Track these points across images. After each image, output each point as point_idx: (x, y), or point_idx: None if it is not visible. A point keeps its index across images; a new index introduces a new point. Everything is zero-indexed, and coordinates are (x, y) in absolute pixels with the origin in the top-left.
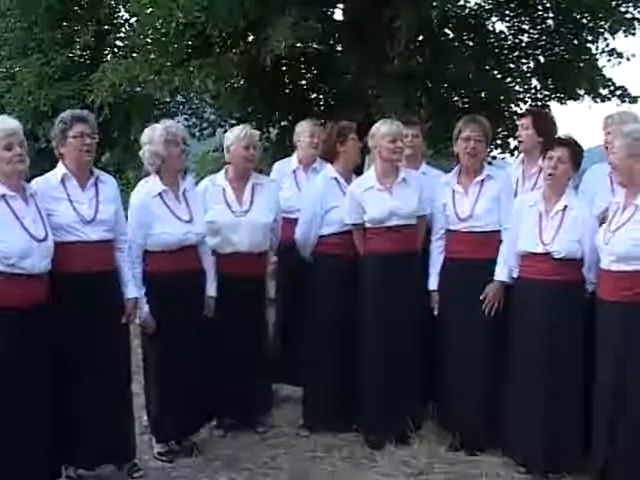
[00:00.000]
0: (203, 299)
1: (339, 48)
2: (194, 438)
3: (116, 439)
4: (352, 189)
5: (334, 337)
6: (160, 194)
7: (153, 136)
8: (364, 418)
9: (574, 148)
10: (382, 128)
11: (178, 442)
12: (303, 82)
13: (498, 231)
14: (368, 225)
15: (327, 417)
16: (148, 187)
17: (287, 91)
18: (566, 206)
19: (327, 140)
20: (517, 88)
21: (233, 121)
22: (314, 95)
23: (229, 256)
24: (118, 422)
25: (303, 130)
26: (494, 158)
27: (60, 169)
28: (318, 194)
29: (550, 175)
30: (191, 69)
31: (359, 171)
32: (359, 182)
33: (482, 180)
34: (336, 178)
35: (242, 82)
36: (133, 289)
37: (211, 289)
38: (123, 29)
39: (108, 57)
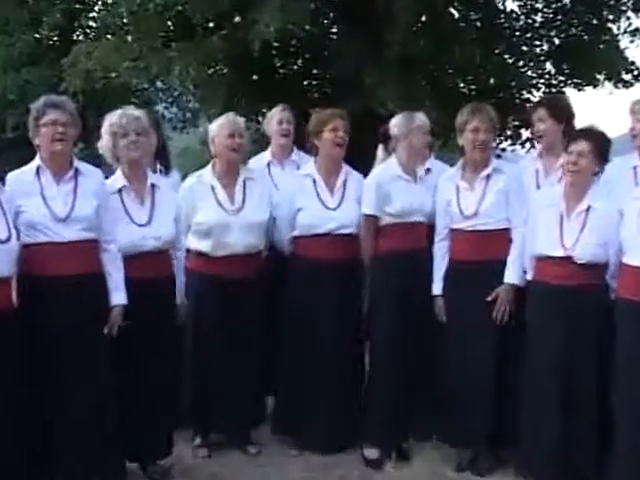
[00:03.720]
0: (170, 308)
1: (334, 30)
2: (171, 460)
3: (100, 453)
4: (378, 177)
5: (301, 343)
6: (120, 190)
7: (105, 125)
8: (366, 431)
9: (597, 139)
10: (417, 117)
11: (143, 468)
12: (295, 68)
13: (507, 229)
14: (388, 220)
15: (296, 429)
16: (111, 181)
17: (277, 78)
18: (590, 206)
19: (308, 132)
20: (529, 73)
21: (218, 111)
22: (307, 82)
23: (223, 259)
24: (102, 437)
25: (271, 117)
26: (504, 150)
27: (36, 161)
28: (288, 192)
29: (571, 172)
30: (171, 54)
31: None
32: (383, 171)
33: (489, 174)
34: (311, 175)
35: (227, 68)
36: (120, 295)
37: (178, 297)
38: (96, 8)
39: (80, 38)
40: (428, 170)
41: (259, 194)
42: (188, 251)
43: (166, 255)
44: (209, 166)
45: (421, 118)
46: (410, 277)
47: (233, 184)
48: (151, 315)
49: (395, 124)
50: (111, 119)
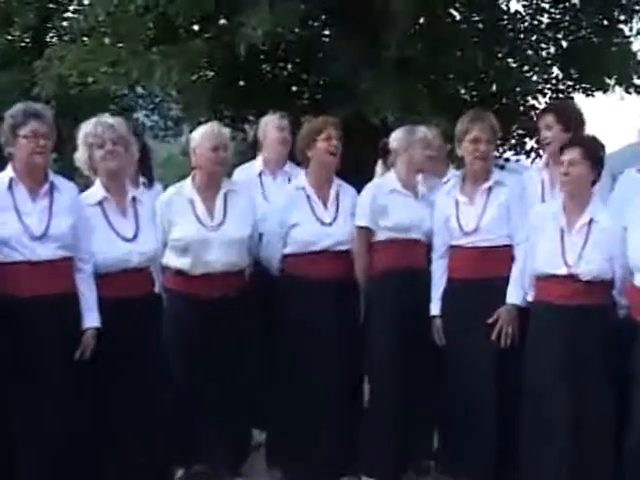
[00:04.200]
0: (156, 327)
1: (326, 33)
2: None
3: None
4: (374, 188)
5: (297, 373)
6: (101, 202)
7: (80, 136)
8: (364, 462)
9: (588, 145)
10: (417, 130)
11: None
12: (284, 74)
13: (509, 246)
14: (384, 236)
15: (293, 466)
16: (89, 193)
17: (265, 84)
18: (592, 219)
19: (297, 142)
20: (535, 78)
21: (202, 118)
22: (296, 88)
23: (202, 278)
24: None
25: (269, 124)
26: (507, 160)
27: (8, 172)
28: (281, 206)
29: (564, 183)
30: (153, 58)
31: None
32: (380, 184)
33: (490, 187)
34: (304, 188)
35: (212, 74)
36: (93, 317)
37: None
38: (71, 8)
39: (54, 40)
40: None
41: (241, 208)
42: (165, 268)
43: (148, 272)
44: (189, 178)
45: (422, 131)
46: (408, 297)
47: (213, 198)
48: (138, 337)
49: (395, 138)
50: (86, 128)
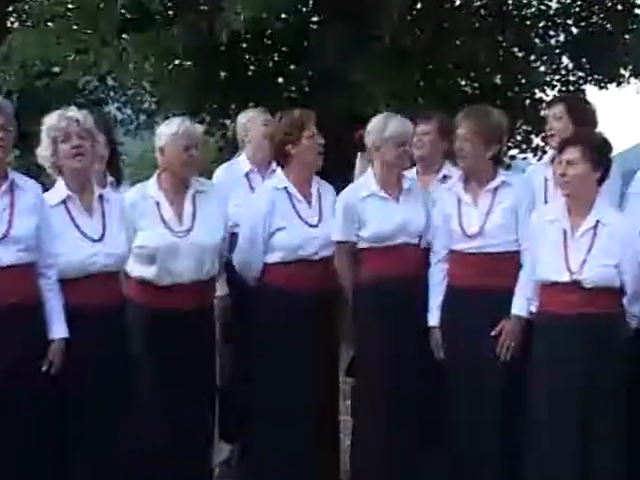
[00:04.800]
0: (124, 341)
1: (314, 19)
2: None
3: None
4: (346, 197)
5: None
6: (64, 202)
7: (43, 130)
8: None
9: (589, 142)
10: (389, 126)
11: None
12: (269, 64)
13: (516, 252)
14: (365, 245)
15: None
16: (51, 193)
17: (248, 75)
18: (598, 221)
19: (274, 138)
20: (542, 69)
21: (179, 112)
22: (283, 79)
23: (169, 289)
24: None
25: (253, 119)
26: (512, 158)
27: None
28: (261, 210)
29: (562, 184)
30: (124, 47)
31: (345, 177)
32: (354, 188)
33: (496, 188)
34: (287, 189)
35: (190, 63)
36: (61, 327)
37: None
38: None
39: (15, 26)
40: (445, 177)
41: (212, 210)
42: (128, 278)
43: (117, 278)
44: (153, 178)
45: (394, 128)
46: (399, 310)
47: (181, 199)
48: (101, 351)
49: (368, 131)
50: (50, 121)
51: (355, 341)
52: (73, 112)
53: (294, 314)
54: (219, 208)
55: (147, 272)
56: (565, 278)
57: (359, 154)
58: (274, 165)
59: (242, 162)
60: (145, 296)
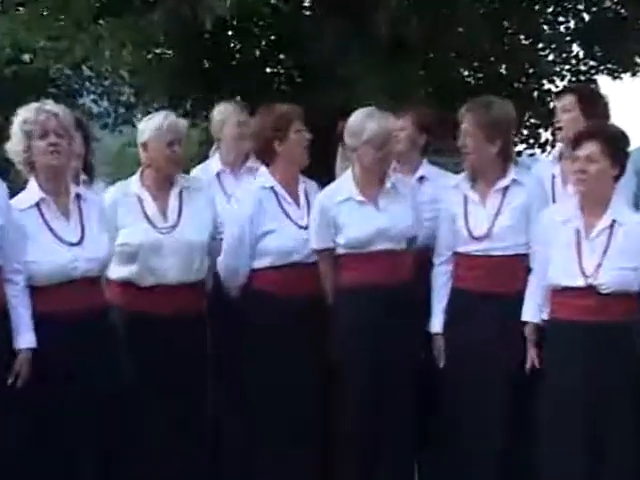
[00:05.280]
0: (107, 349)
1: (306, 5)
2: None
3: None
4: (322, 201)
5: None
6: (37, 204)
7: (16, 123)
8: None
9: (608, 136)
10: (367, 128)
11: None
12: (257, 53)
13: (525, 255)
14: (343, 251)
15: None
16: (23, 195)
17: (234, 64)
18: (614, 221)
19: (260, 134)
20: (551, 58)
21: (159, 104)
22: (271, 70)
23: (152, 290)
24: None
25: (225, 116)
26: (519, 155)
27: None
28: (247, 211)
29: (580, 181)
30: (100, 33)
31: (327, 175)
32: (331, 191)
33: (506, 187)
34: (273, 188)
35: (172, 52)
36: (29, 337)
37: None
38: None
39: None
40: (422, 178)
41: (199, 207)
42: (108, 281)
43: (99, 282)
44: (136, 175)
45: (373, 130)
46: (381, 321)
47: (166, 196)
48: (83, 361)
49: (347, 130)
50: (25, 114)
51: (333, 348)
52: (51, 105)
53: (287, 320)
54: (207, 205)
55: (129, 271)
56: (579, 282)
57: (340, 149)
58: (249, 163)
59: (214, 162)
60: (126, 298)
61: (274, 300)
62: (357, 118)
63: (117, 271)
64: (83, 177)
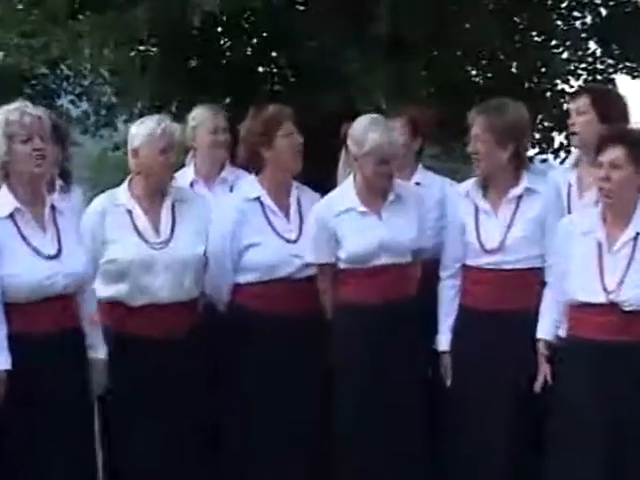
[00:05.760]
0: (84, 374)
1: (301, 0)
2: None
3: None
4: (319, 211)
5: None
6: (12, 215)
7: None
8: None
9: (634, 142)
10: (369, 139)
11: None
12: (248, 51)
13: (540, 269)
14: (344, 265)
15: None
16: None
17: (224, 63)
18: (639, 233)
19: (246, 140)
20: (565, 56)
21: (144, 105)
22: (263, 69)
23: (144, 310)
24: None
25: (199, 122)
26: (530, 160)
27: None
28: (227, 224)
29: (604, 191)
30: (79, 29)
31: (328, 183)
32: (330, 201)
33: (519, 196)
34: (259, 198)
35: (156, 50)
36: (2, 358)
37: (101, 351)
38: None
39: None
40: (417, 185)
41: (193, 221)
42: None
43: (75, 300)
44: (124, 184)
45: (375, 142)
46: (384, 340)
47: (158, 208)
48: (57, 385)
49: (350, 135)
50: (7, 116)
51: (334, 364)
52: (31, 107)
53: (272, 339)
54: (201, 219)
55: (117, 290)
56: (600, 299)
57: (343, 152)
58: (225, 172)
59: (187, 171)
60: (113, 320)
61: (257, 318)
62: (361, 125)
63: (104, 290)
64: (59, 183)
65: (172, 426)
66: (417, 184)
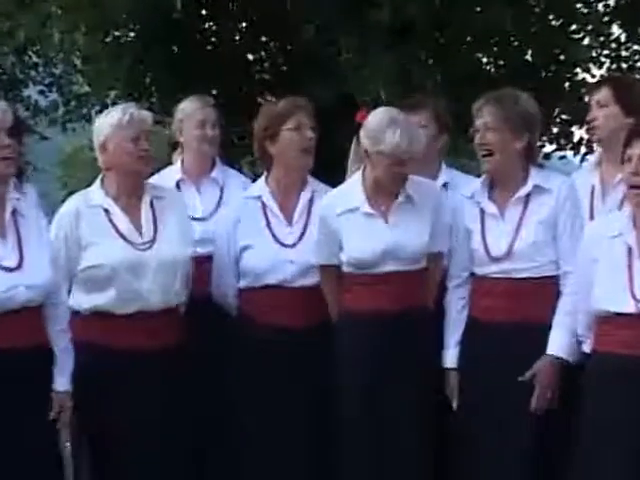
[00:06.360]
0: (46, 396)
1: None
2: None
3: None
4: (323, 209)
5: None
6: None
7: None
8: None
9: None
10: (387, 139)
11: None
12: (236, 36)
13: (554, 277)
14: (348, 269)
15: None
16: None
17: (209, 49)
18: None
19: (255, 135)
20: (586, 42)
21: (119, 95)
22: (253, 56)
23: (133, 319)
24: None
25: (186, 115)
26: (547, 157)
27: None
28: (226, 226)
29: (634, 190)
30: (49, 12)
31: (327, 177)
32: (333, 198)
33: (528, 195)
34: (260, 198)
35: (134, 35)
36: None
37: (63, 380)
38: None
39: None
40: (445, 185)
41: (176, 219)
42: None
43: (40, 314)
44: (96, 183)
45: (392, 143)
46: (384, 354)
47: (136, 206)
48: (18, 406)
49: (364, 127)
50: None
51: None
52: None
53: (265, 352)
54: (183, 217)
55: (102, 300)
56: (629, 308)
57: (354, 142)
58: (215, 172)
59: (174, 169)
60: (97, 334)
61: (252, 327)
62: (377, 120)
63: (86, 300)
64: (14, 180)
65: (163, 454)
66: (444, 185)
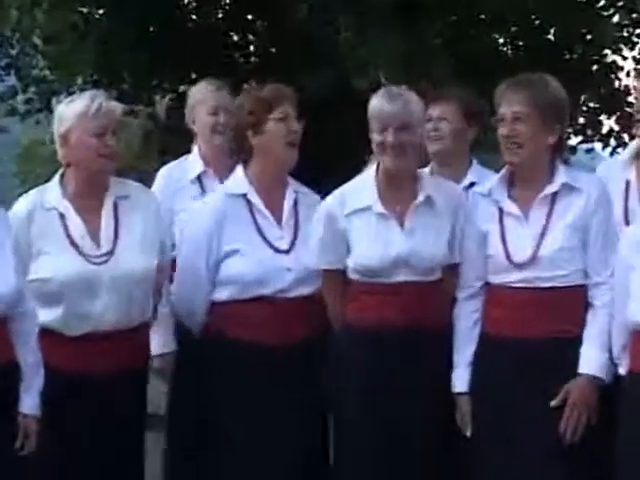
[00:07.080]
0: (10, 415)
1: None
2: None
3: None
4: (329, 206)
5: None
6: None
7: None
8: None
9: None
10: (374, 100)
11: None
12: (218, 15)
13: (582, 287)
14: (354, 276)
15: None
16: None
17: (188, 29)
18: None
19: (236, 123)
20: (616, 20)
21: (85, 82)
22: (239, 38)
23: (83, 341)
24: None
25: (197, 100)
26: (573, 151)
27: None
28: (204, 226)
29: None
30: None
31: (325, 181)
32: (343, 195)
33: (555, 193)
34: (246, 196)
35: (102, 12)
36: None
37: (29, 402)
38: None
39: None
40: (472, 185)
41: (142, 223)
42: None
43: (3, 328)
44: (55, 180)
45: (374, 104)
46: (389, 372)
47: (97, 209)
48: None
49: (370, 113)
50: None
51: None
52: None
53: (254, 373)
54: (153, 220)
55: (50, 316)
56: None
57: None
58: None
59: (192, 160)
60: (47, 352)
61: (237, 346)
62: (377, 100)
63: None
64: None
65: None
66: (472, 185)
